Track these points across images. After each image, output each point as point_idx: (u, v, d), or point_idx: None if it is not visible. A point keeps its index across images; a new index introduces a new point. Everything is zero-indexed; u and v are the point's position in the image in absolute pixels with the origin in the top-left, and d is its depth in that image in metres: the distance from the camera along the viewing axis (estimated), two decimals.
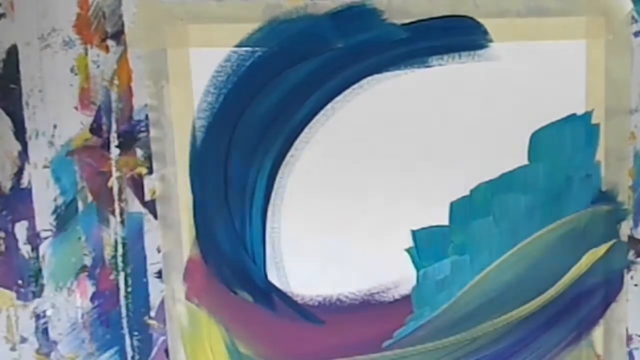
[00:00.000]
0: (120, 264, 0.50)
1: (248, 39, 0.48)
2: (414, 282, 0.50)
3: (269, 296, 0.51)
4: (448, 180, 0.49)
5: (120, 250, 0.50)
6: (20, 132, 0.49)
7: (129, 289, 0.50)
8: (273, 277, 0.50)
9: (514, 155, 0.49)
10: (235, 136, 0.49)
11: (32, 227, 0.50)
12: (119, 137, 0.49)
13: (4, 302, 0.50)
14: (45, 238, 0.50)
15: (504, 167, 0.49)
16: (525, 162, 0.49)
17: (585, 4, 0.48)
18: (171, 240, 0.50)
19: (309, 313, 0.50)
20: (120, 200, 0.49)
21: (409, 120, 0.49)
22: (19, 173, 0.49)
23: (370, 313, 0.50)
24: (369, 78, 0.48)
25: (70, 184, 0.49)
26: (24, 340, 0.51)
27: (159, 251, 0.50)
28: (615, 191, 0.50)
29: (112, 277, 0.50)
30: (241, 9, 0.47)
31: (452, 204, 0.49)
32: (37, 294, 0.50)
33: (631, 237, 0.51)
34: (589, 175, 0.50)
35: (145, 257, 0.50)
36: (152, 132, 0.49)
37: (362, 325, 0.50)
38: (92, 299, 0.50)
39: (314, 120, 0.49)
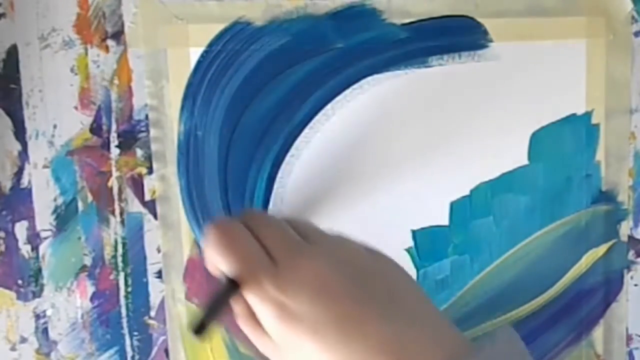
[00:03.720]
0: (120, 264, 0.50)
1: (248, 39, 0.48)
2: None
3: None
4: (448, 180, 0.49)
5: (120, 250, 0.50)
6: (20, 132, 0.49)
7: (129, 289, 0.50)
8: None
9: (514, 155, 0.49)
10: (235, 136, 0.49)
11: (32, 227, 0.50)
12: (119, 137, 0.49)
13: (4, 302, 0.50)
14: (45, 238, 0.50)
15: (504, 167, 0.49)
16: (525, 162, 0.49)
17: (585, 4, 0.48)
18: (171, 240, 0.50)
19: None
20: (120, 200, 0.49)
21: (409, 120, 0.49)
22: (19, 173, 0.49)
23: None
24: (369, 78, 0.48)
25: (70, 184, 0.49)
26: (24, 340, 0.51)
27: (159, 251, 0.50)
28: (615, 191, 0.50)
29: (112, 277, 0.50)
30: (241, 9, 0.47)
31: (452, 204, 0.50)
32: (37, 294, 0.50)
33: (631, 237, 0.51)
34: (589, 175, 0.50)
35: (145, 257, 0.50)
36: (152, 132, 0.49)
37: None
38: (92, 299, 0.50)
39: (314, 120, 0.49)
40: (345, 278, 0.34)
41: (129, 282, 0.50)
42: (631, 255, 0.51)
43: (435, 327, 0.34)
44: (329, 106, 0.48)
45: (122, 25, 0.48)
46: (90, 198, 0.49)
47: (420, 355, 0.32)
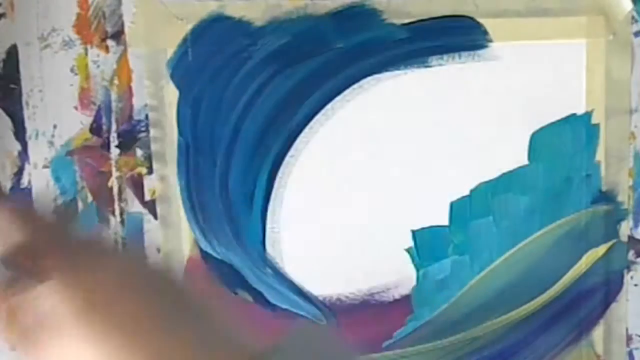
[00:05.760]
0: None
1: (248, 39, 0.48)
2: (414, 282, 0.50)
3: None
4: (448, 180, 0.49)
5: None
6: (20, 132, 0.49)
7: None
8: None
9: (514, 155, 0.49)
10: (235, 136, 0.49)
11: None
12: (119, 137, 0.49)
13: None
14: None
15: (504, 167, 0.49)
16: (525, 162, 0.49)
17: (585, 4, 0.48)
18: (171, 240, 0.50)
19: None
20: (120, 200, 0.49)
21: (409, 120, 0.49)
22: (19, 173, 0.49)
23: (370, 313, 0.50)
24: (369, 78, 0.48)
25: (70, 184, 0.49)
26: None
27: (159, 251, 0.50)
28: (615, 191, 0.50)
29: None
30: (241, 9, 0.47)
31: (452, 204, 0.49)
32: None
33: (631, 237, 0.51)
34: (589, 175, 0.50)
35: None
36: (152, 132, 0.49)
37: (362, 325, 0.50)
38: None
39: (314, 120, 0.49)
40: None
41: None
42: (631, 255, 0.51)
43: None
44: (329, 106, 0.48)
45: (122, 25, 0.48)
46: (90, 198, 0.49)
47: None
